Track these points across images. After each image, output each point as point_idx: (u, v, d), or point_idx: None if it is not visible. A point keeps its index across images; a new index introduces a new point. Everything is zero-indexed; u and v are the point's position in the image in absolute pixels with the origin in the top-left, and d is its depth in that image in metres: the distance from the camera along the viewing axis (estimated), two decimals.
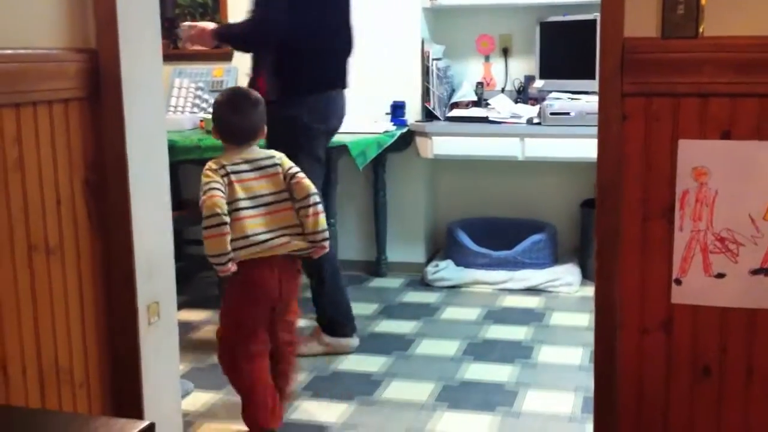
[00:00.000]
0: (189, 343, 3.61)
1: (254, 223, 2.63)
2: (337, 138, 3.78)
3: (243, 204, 2.62)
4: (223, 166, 2.61)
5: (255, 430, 2.67)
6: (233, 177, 2.61)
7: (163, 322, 2.40)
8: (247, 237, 2.60)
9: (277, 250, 2.64)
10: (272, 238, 2.63)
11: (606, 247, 1.92)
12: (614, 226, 1.90)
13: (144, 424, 1.14)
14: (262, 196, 2.65)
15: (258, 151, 2.72)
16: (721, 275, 1.89)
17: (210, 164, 2.64)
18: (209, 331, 3.79)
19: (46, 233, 2.03)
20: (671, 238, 1.89)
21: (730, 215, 1.85)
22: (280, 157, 2.73)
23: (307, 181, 2.69)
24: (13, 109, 1.92)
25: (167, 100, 4.62)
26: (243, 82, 4.51)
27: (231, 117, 2.70)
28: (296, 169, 2.71)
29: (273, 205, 2.67)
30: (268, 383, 2.69)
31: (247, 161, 2.67)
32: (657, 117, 1.85)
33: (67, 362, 2.11)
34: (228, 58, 4.72)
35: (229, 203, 2.58)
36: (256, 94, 2.78)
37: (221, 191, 2.57)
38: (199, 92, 4.65)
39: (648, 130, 1.86)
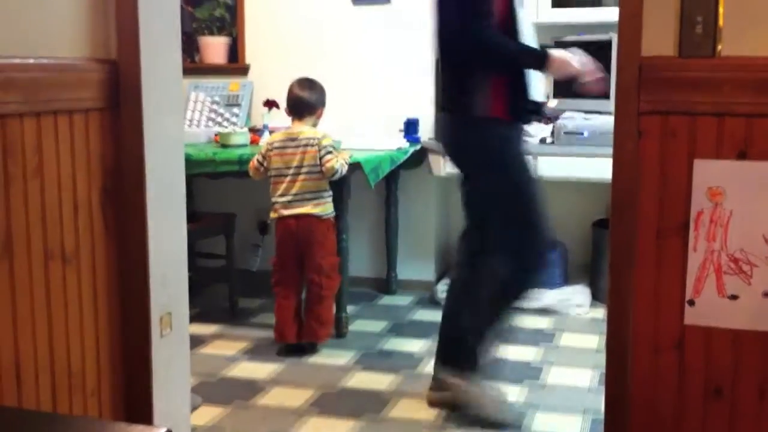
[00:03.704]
0: (198, 356, 3.61)
1: (282, 188, 3.60)
2: (352, 155, 3.79)
3: (276, 172, 3.61)
4: (271, 143, 3.62)
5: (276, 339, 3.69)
6: (274, 151, 3.60)
7: (175, 334, 2.41)
8: (274, 196, 3.62)
9: (294, 210, 3.57)
10: (292, 200, 3.58)
11: (619, 264, 1.91)
12: (628, 243, 1.90)
13: (161, 430, 1.14)
14: (293, 167, 3.57)
15: (306, 131, 3.59)
16: (734, 297, 1.88)
17: (267, 140, 3.72)
18: (218, 346, 3.79)
19: (63, 241, 2.04)
20: (685, 257, 1.89)
21: (745, 236, 1.85)
22: (320, 139, 3.55)
23: (329, 165, 3.52)
24: (34, 118, 1.94)
25: (183, 114, 4.65)
26: (260, 96, 4.56)
27: (291, 91, 3.64)
28: (325, 151, 3.53)
29: (300, 175, 3.56)
30: (287, 312, 3.63)
31: (291, 139, 3.59)
32: (673, 135, 1.85)
33: (79, 370, 2.11)
34: (244, 72, 4.76)
35: (269, 169, 3.63)
36: (316, 81, 3.67)
37: (258, 161, 3.66)
38: (214, 106, 4.68)
39: (663, 148, 1.86)
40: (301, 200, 3.57)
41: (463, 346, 3.00)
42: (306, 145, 3.56)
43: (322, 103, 3.70)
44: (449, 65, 2.92)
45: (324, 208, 3.61)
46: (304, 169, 3.56)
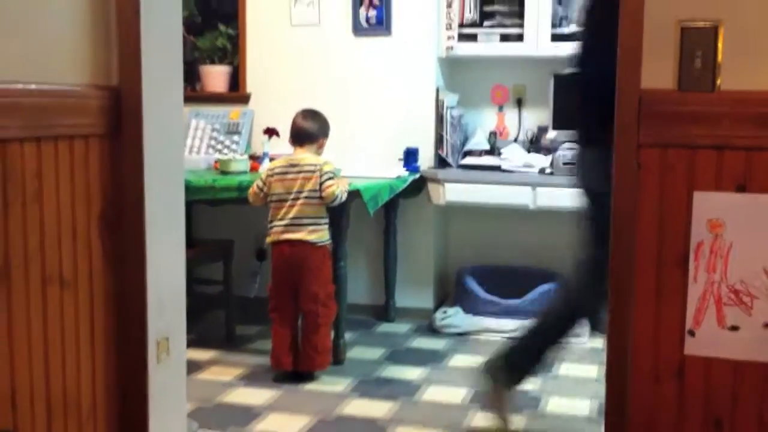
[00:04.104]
0: (195, 382, 3.59)
1: (280, 213, 3.59)
2: (351, 182, 3.81)
3: (276, 198, 3.61)
4: (272, 169, 3.64)
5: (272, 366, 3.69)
6: (275, 177, 3.61)
7: (173, 359, 2.39)
8: (272, 221, 3.62)
9: (289, 236, 3.56)
10: (288, 224, 3.57)
11: (619, 294, 1.91)
12: (628, 275, 1.90)
13: None
14: (293, 192, 3.57)
15: (308, 158, 3.61)
16: (734, 328, 1.88)
17: (268, 165, 3.76)
18: (215, 371, 3.77)
19: (61, 266, 2.04)
20: (685, 288, 1.89)
21: (745, 268, 1.85)
22: (321, 165, 3.58)
23: (330, 190, 3.53)
24: (34, 143, 1.94)
25: (183, 141, 4.67)
26: (260, 124, 4.58)
27: (294, 121, 3.69)
28: (326, 177, 3.56)
29: (299, 200, 3.56)
30: (283, 339, 3.62)
31: (293, 165, 3.61)
32: (672, 168, 1.86)
33: (75, 395, 2.10)
34: (245, 101, 4.79)
35: (269, 195, 3.63)
36: (320, 112, 3.74)
37: (258, 186, 3.66)
38: (214, 134, 4.70)
39: (663, 180, 1.87)
40: (298, 225, 3.56)
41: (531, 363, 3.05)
42: (308, 171, 3.57)
43: (324, 134, 3.72)
44: (603, 101, 2.90)
45: (320, 235, 3.60)
46: (303, 194, 3.56)
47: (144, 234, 2.23)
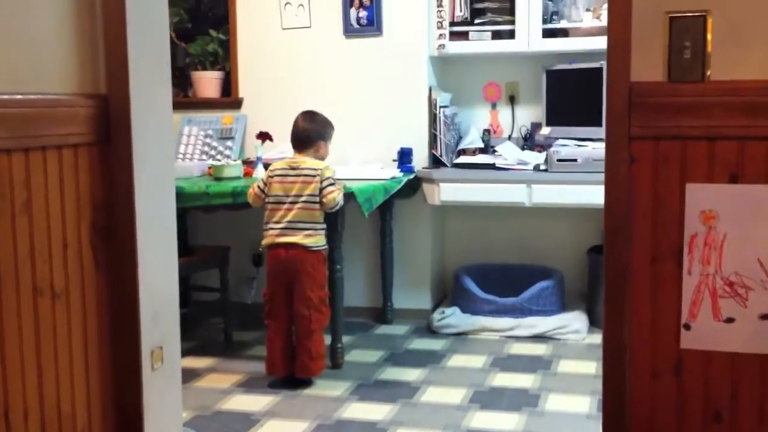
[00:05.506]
0: (192, 390, 3.57)
1: (277, 215, 3.56)
2: (345, 184, 3.79)
3: (274, 199, 3.58)
4: (273, 170, 3.62)
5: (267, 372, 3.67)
6: (275, 178, 3.59)
7: (167, 367, 2.38)
8: (267, 223, 3.59)
9: (285, 239, 3.53)
10: (285, 228, 3.54)
11: (615, 290, 1.90)
12: (623, 269, 1.89)
13: None
14: (292, 195, 3.54)
15: (308, 161, 3.60)
16: (730, 320, 1.87)
17: (270, 167, 3.68)
18: (213, 379, 3.76)
19: (52, 277, 2.03)
20: (680, 281, 1.88)
21: (739, 259, 1.84)
22: (322, 170, 3.55)
23: (331, 196, 3.51)
24: (22, 153, 1.93)
25: (176, 148, 4.65)
26: (253, 129, 4.56)
27: (293, 123, 3.67)
28: (327, 183, 3.53)
29: (297, 204, 3.53)
30: (277, 346, 3.60)
31: (293, 167, 3.59)
32: (665, 160, 1.85)
33: (69, 408, 2.08)
34: (237, 106, 4.77)
35: (267, 196, 3.60)
36: (320, 114, 3.72)
37: (259, 188, 3.64)
38: (207, 140, 4.68)
39: (656, 173, 1.86)
40: (294, 229, 3.52)
41: None
42: (307, 175, 3.54)
43: (321, 137, 3.67)
44: None
45: (315, 240, 3.56)
46: (302, 198, 3.52)
47: (136, 242, 2.22)
